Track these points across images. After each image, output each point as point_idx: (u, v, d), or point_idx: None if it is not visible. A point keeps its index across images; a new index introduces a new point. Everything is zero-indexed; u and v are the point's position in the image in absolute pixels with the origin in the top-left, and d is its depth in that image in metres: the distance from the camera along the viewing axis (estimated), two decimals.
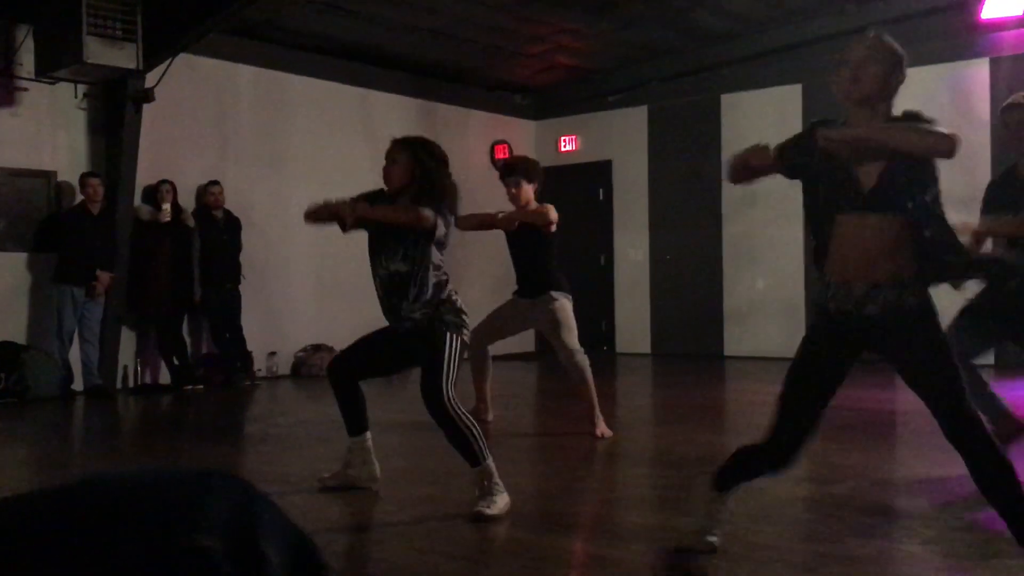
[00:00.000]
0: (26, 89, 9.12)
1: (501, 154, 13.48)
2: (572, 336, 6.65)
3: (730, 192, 12.53)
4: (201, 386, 9.70)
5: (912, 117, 3.35)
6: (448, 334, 4.47)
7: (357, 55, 11.58)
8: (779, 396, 3.45)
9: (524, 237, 6.72)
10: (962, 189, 10.79)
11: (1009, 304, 5.07)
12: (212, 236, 9.87)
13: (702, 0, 10.83)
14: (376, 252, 4.63)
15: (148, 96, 9.17)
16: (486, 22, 10.95)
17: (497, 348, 7.27)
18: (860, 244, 3.21)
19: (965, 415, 3.18)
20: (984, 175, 10.69)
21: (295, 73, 11.09)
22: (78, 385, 9.14)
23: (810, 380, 3.43)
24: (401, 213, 4.50)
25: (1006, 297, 5.07)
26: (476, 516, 4.22)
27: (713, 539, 3.52)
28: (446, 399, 4.37)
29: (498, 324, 7.00)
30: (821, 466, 5.58)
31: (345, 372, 4.90)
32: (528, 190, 6.72)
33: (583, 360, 6.60)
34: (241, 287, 10.06)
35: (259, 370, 10.36)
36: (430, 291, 4.51)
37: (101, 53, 8.55)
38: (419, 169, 4.57)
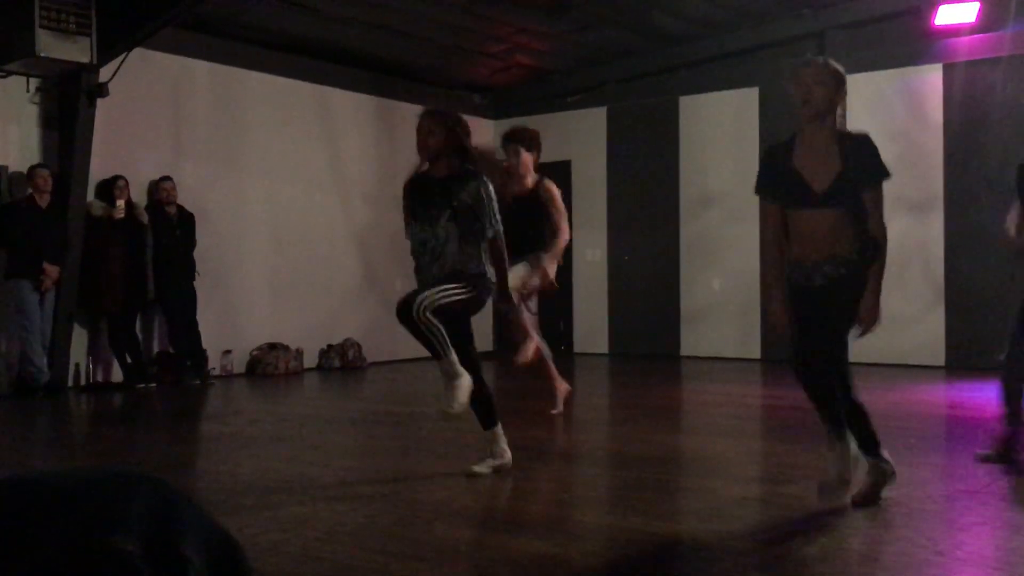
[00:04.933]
0: None
1: None
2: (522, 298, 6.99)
3: (687, 193, 12.60)
4: (154, 384, 9.60)
5: (862, 141, 4.20)
6: None
7: (315, 52, 11.51)
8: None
9: (524, 208, 7.01)
10: (915, 193, 11.03)
11: None
12: (165, 232, 9.76)
13: (660, 3, 10.88)
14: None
15: (102, 91, 9.04)
16: (445, 21, 10.92)
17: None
18: (812, 232, 4.15)
19: (816, 368, 4.30)
20: (937, 178, 10.84)
21: (252, 69, 10.99)
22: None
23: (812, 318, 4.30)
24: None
25: None
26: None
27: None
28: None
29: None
30: (772, 466, 5.63)
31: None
32: (528, 159, 6.91)
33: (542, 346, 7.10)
34: (196, 284, 9.96)
35: (213, 368, 10.26)
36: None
37: (54, 47, 8.43)
38: (452, 138, 4.99)
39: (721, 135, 12.28)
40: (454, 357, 4.83)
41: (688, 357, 12.35)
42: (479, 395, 5.05)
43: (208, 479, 4.79)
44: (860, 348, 12.36)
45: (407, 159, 12.63)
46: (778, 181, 4.23)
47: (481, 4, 10.41)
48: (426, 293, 4.78)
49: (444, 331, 4.80)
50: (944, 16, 10.63)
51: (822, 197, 4.09)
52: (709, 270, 12.42)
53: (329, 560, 3.75)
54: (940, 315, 10.75)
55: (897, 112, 11.12)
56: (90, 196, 9.48)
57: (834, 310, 4.20)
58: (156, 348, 10.20)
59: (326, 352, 11.51)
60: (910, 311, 10.97)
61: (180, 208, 9.92)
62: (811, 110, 4.11)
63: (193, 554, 0.81)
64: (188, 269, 9.88)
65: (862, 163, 4.12)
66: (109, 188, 9.45)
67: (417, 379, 10.35)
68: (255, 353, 10.85)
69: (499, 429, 5.22)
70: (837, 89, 4.14)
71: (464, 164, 5.01)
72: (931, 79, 10.92)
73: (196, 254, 9.99)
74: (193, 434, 7.38)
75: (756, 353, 11.97)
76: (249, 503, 4.52)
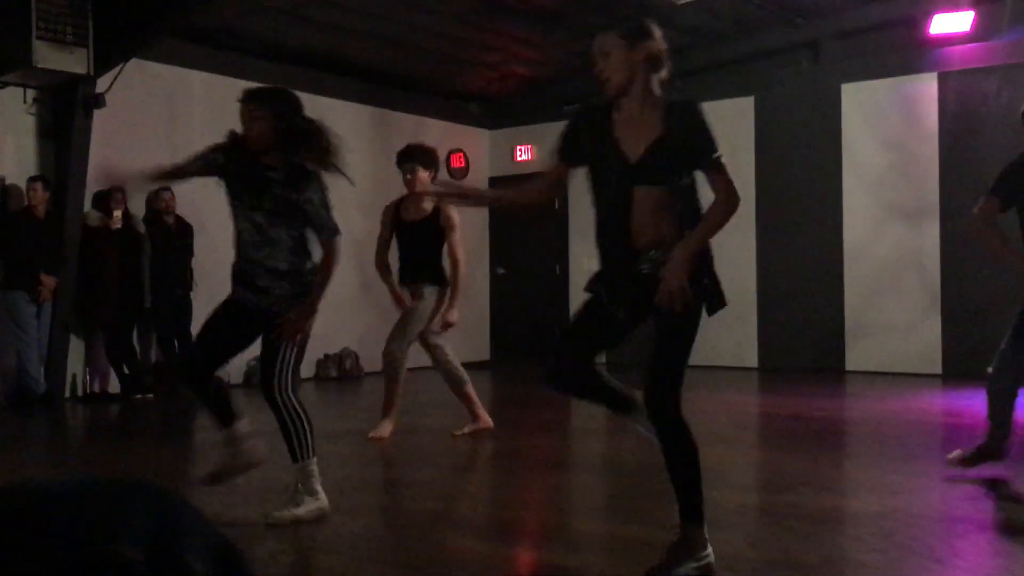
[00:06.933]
0: None
1: (457, 163, 13.47)
2: (410, 335, 6.84)
3: None
4: (151, 395, 9.58)
5: (688, 107, 3.55)
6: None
7: (310, 62, 11.52)
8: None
9: (423, 232, 6.85)
10: (911, 201, 11.05)
11: None
12: (163, 242, 9.75)
13: (654, 12, 10.90)
14: None
15: (99, 101, 9.06)
16: (441, 31, 10.94)
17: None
18: (632, 214, 3.51)
19: (658, 393, 3.63)
20: (932, 187, 10.86)
21: (248, 79, 10.91)
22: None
23: (590, 324, 3.77)
24: None
25: None
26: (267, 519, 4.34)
27: None
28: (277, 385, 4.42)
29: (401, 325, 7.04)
30: (768, 474, 5.63)
31: None
32: (425, 177, 6.83)
33: (399, 364, 6.87)
34: (193, 294, 9.95)
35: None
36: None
37: (51, 57, 8.44)
38: (282, 123, 4.48)
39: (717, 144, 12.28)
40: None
41: None
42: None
43: (205, 489, 4.78)
44: (856, 356, 12.40)
45: None
46: (590, 151, 3.64)
47: (477, 14, 10.44)
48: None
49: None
50: (939, 25, 10.66)
51: (636, 169, 3.49)
52: None
53: (325, 570, 3.75)
54: (936, 323, 10.76)
55: (892, 121, 11.15)
56: (87, 207, 9.48)
57: (662, 317, 3.59)
58: (153, 359, 10.18)
59: (323, 362, 11.50)
60: (906, 319, 10.99)
61: (178, 218, 9.91)
62: (612, 87, 3.55)
63: (196, 562, 0.82)
64: (185, 279, 9.87)
65: (689, 134, 3.50)
66: (105, 199, 9.45)
67: (414, 389, 10.33)
68: (252, 363, 10.83)
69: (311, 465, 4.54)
70: (631, 49, 3.52)
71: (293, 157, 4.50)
72: (926, 88, 10.95)
73: (192, 263, 9.98)
74: (190, 444, 7.37)
75: (753, 361, 11.98)
76: (246, 513, 4.51)
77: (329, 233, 4.50)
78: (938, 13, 10.64)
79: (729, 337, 12.17)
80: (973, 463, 5.17)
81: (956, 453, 5.29)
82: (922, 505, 4.59)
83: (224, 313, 4.61)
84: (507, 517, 4.67)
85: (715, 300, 3.62)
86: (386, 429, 6.85)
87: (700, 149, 3.49)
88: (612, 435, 7.58)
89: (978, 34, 10.56)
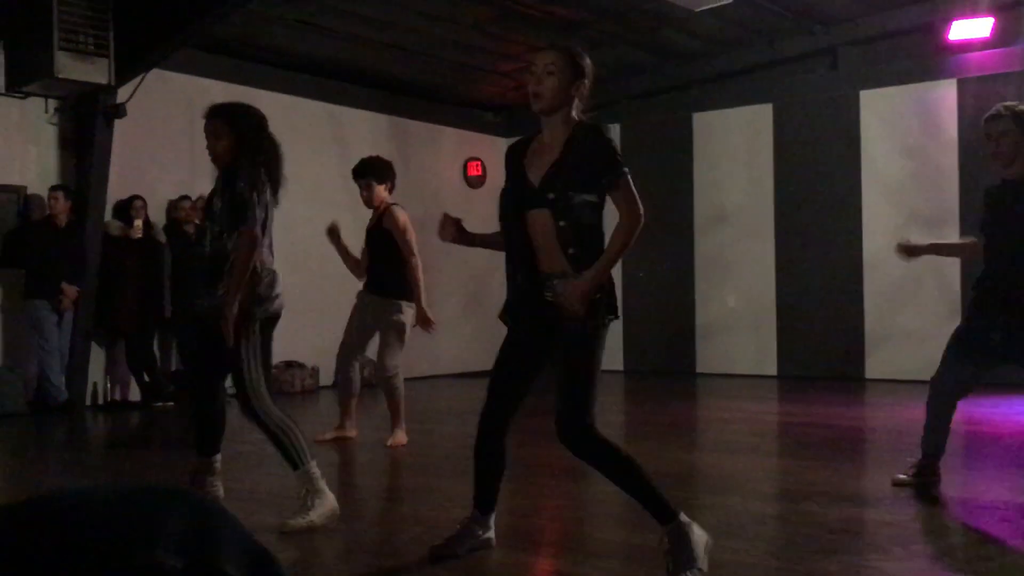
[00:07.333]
0: None
1: (474, 171, 13.50)
2: (397, 355, 6.80)
3: (702, 210, 12.60)
4: (171, 403, 9.62)
5: (590, 130, 3.54)
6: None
7: (329, 72, 11.58)
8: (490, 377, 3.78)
9: (376, 240, 6.83)
10: (930, 209, 11.00)
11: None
12: (183, 251, 9.81)
13: (672, 20, 10.91)
14: None
15: (119, 111, 9.12)
16: (457, 40, 10.98)
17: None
18: (536, 237, 3.54)
19: (565, 416, 3.55)
20: (952, 195, 10.81)
21: (266, 89, 11.06)
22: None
23: (510, 360, 3.72)
24: None
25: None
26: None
27: None
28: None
29: (356, 335, 7.02)
30: (789, 483, 5.61)
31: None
32: (380, 190, 6.82)
33: (397, 381, 6.80)
34: None
35: (230, 387, 10.26)
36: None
37: (72, 68, 8.51)
38: (240, 140, 4.54)
39: (735, 151, 12.28)
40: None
41: (703, 374, 12.32)
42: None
43: (226, 497, 4.81)
44: (876, 364, 12.34)
45: (421, 178, 12.69)
46: (509, 180, 3.72)
47: (493, 24, 10.46)
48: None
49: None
50: (958, 31, 10.62)
51: (535, 194, 3.52)
52: (724, 286, 12.41)
53: None
54: None
55: (911, 128, 11.11)
56: (107, 216, 9.54)
57: (567, 344, 3.52)
58: (173, 367, 10.23)
59: None
60: (925, 327, 10.93)
61: (198, 227, 9.96)
62: (541, 103, 3.53)
63: (233, 569, 0.83)
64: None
65: (590, 156, 3.49)
66: (126, 208, 9.52)
67: (433, 396, 10.35)
68: (272, 371, 10.86)
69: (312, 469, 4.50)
70: (574, 80, 3.53)
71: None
72: (945, 95, 10.91)
73: None
74: None
75: (772, 370, 11.94)
76: (267, 521, 4.53)
77: (244, 224, 4.42)
78: (957, 19, 10.60)
79: (748, 345, 12.14)
80: (920, 482, 5.11)
81: (901, 476, 5.20)
82: (944, 513, 4.57)
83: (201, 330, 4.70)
84: (524, 525, 4.67)
85: (609, 312, 3.55)
86: (401, 437, 6.87)
87: (602, 171, 3.48)
88: (628, 444, 7.56)
89: (998, 40, 10.52)
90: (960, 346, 4.98)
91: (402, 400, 6.88)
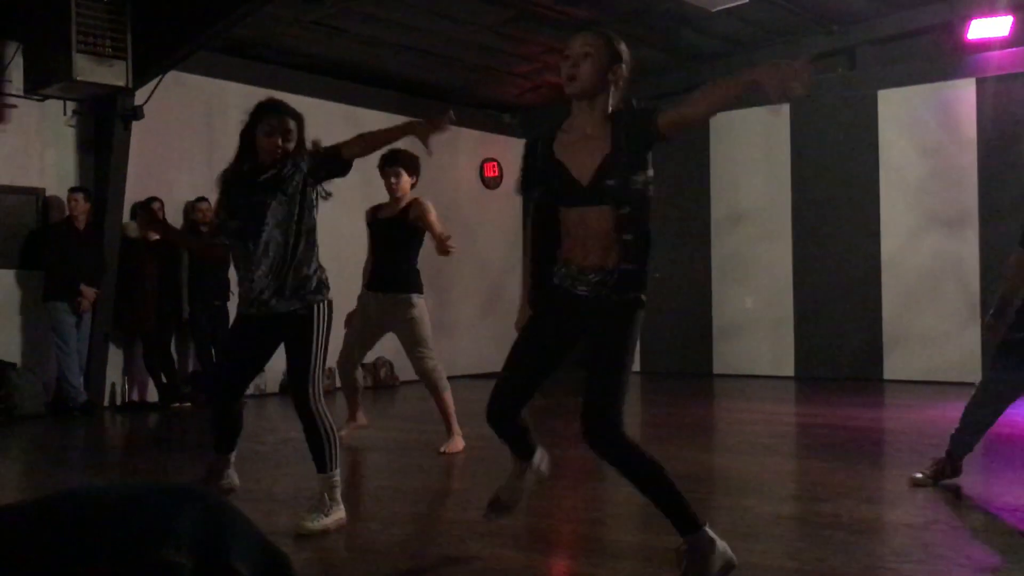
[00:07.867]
0: (15, 106, 9.11)
1: (491, 172, 13.51)
2: (428, 349, 6.68)
3: (719, 210, 12.57)
4: (189, 404, 9.67)
5: (636, 112, 3.45)
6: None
7: (345, 73, 11.61)
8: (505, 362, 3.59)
9: (395, 230, 6.70)
10: (949, 209, 10.94)
11: None
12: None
13: (690, 21, 10.89)
14: None
15: (137, 113, 9.17)
16: (474, 42, 10.99)
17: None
18: (581, 233, 3.38)
19: (594, 415, 3.39)
20: (971, 194, 10.75)
21: (284, 91, 10.99)
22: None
23: (531, 349, 3.55)
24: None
25: None
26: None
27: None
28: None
29: (358, 335, 6.93)
30: (808, 484, 5.58)
31: None
32: (407, 182, 6.78)
33: (438, 376, 6.65)
34: (229, 304, 10.03)
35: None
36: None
37: (90, 70, 8.56)
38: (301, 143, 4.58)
39: (752, 152, 12.24)
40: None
41: (721, 375, 12.29)
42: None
43: (242, 497, 4.82)
44: (894, 365, 12.28)
45: (439, 179, 12.69)
46: (540, 177, 3.52)
47: (510, 25, 10.46)
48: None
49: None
50: (977, 30, 10.56)
51: (588, 191, 3.35)
52: (741, 287, 12.37)
53: None
54: (975, 332, 10.63)
55: (930, 128, 11.05)
56: (125, 218, 9.59)
57: (600, 339, 3.42)
58: (191, 368, 10.27)
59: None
60: (945, 328, 10.88)
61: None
62: (577, 86, 3.44)
63: (243, 567, 0.82)
64: (222, 289, 9.94)
65: (636, 131, 3.40)
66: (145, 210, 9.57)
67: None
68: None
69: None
70: (611, 64, 3.44)
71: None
72: (964, 94, 10.85)
73: (229, 274, 10.06)
74: None
75: (790, 371, 11.90)
76: (283, 521, 4.54)
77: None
78: (976, 18, 10.54)
79: (766, 346, 12.10)
80: (937, 480, 5.13)
81: (919, 475, 5.20)
82: (962, 516, 4.54)
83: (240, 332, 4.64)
84: (542, 527, 4.66)
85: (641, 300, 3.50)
86: (458, 442, 6.70)
87: (648, 134, 3.39)
88: (646, 445, 7.54)
89: (1017, 39, 10.45)
90: (1013, 353, 4.96)
91: (450, 398, 6.70)
